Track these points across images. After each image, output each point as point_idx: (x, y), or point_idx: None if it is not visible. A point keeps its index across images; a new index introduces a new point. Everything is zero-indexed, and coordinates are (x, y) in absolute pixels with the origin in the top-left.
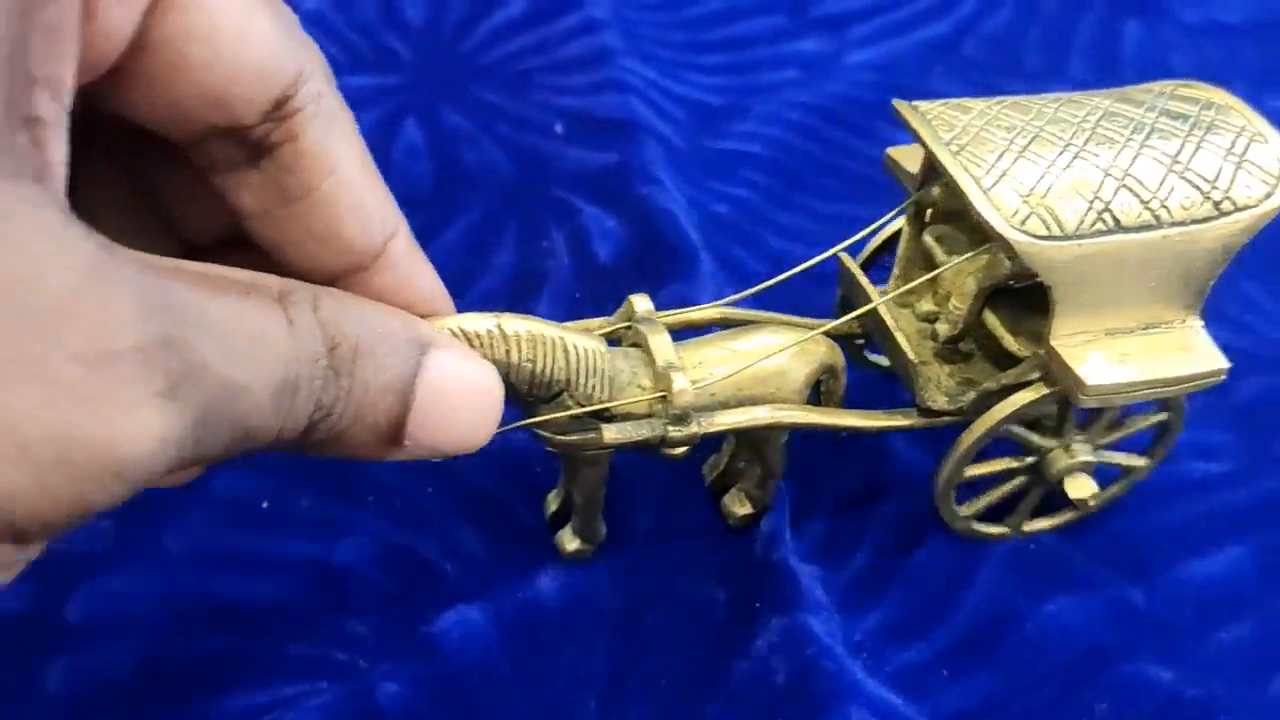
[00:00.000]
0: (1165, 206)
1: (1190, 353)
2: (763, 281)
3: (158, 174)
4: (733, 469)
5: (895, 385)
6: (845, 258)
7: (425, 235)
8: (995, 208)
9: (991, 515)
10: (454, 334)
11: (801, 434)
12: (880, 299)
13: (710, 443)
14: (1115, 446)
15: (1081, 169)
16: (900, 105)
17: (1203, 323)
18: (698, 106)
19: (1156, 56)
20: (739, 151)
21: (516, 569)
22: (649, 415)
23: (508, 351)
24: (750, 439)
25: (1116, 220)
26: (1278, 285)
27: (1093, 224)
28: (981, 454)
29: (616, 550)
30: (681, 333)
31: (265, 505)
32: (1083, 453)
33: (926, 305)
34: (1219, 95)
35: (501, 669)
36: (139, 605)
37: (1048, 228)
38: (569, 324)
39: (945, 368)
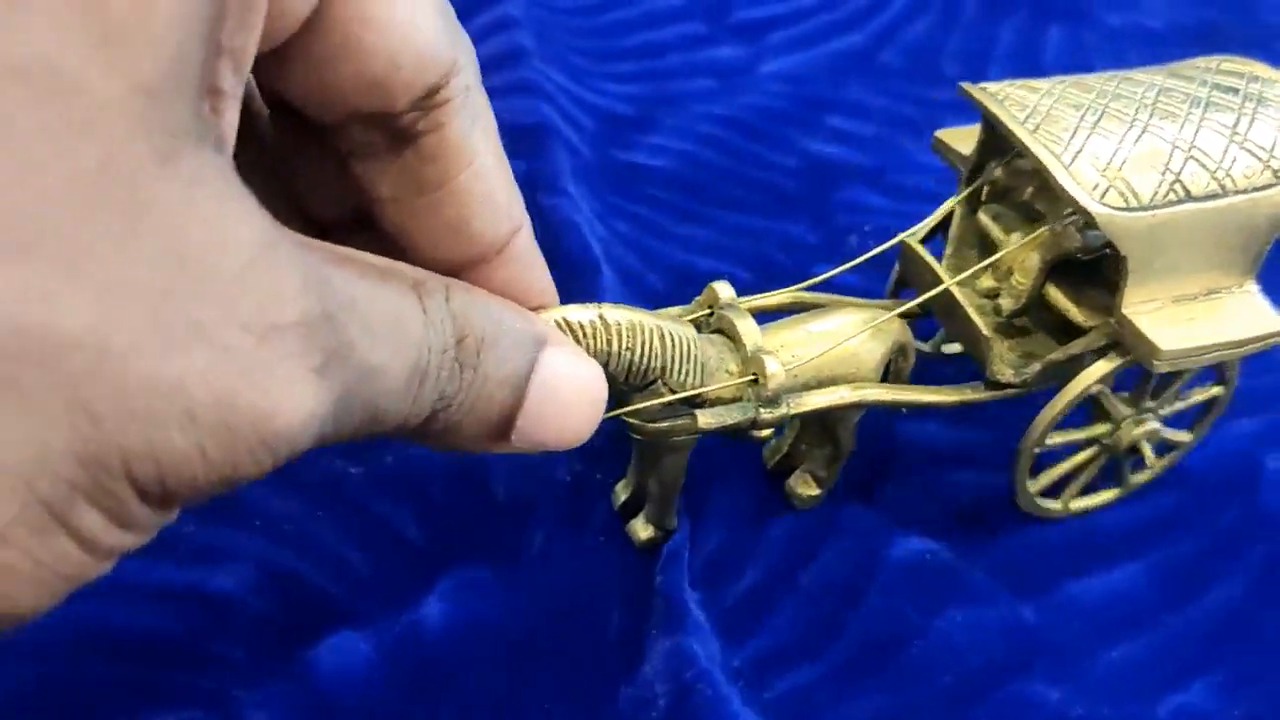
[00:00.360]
0: (1230, 175)
1: (1251, 315)
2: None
3: (294, 151)
4: (795, 451)
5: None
6: (911, 242)
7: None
8: (1077, 182)
9: (1049, 492)
10: (560, 325)
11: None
12: (952, 279)
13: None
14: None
15: (1150, 142)
16: (970, 88)
17: (1258, 286)
18: (608, 116)
19: (1078, 61)
20: (645, 165)
21: (403, 592)
22: (737, 399)
23: (609, 341)
24: (825, 420)
25: (1187, 190)
26: None
27: (1165, 195)
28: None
29: (512, 569)
30: (758, 318)
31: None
32: (1151, 422)
33: (987, 282)
34: (1261, 69)
35: (384, 695)
36: (20, 632)
37: (1125, 200)
38: (660, 311)
39: (1006, 342)
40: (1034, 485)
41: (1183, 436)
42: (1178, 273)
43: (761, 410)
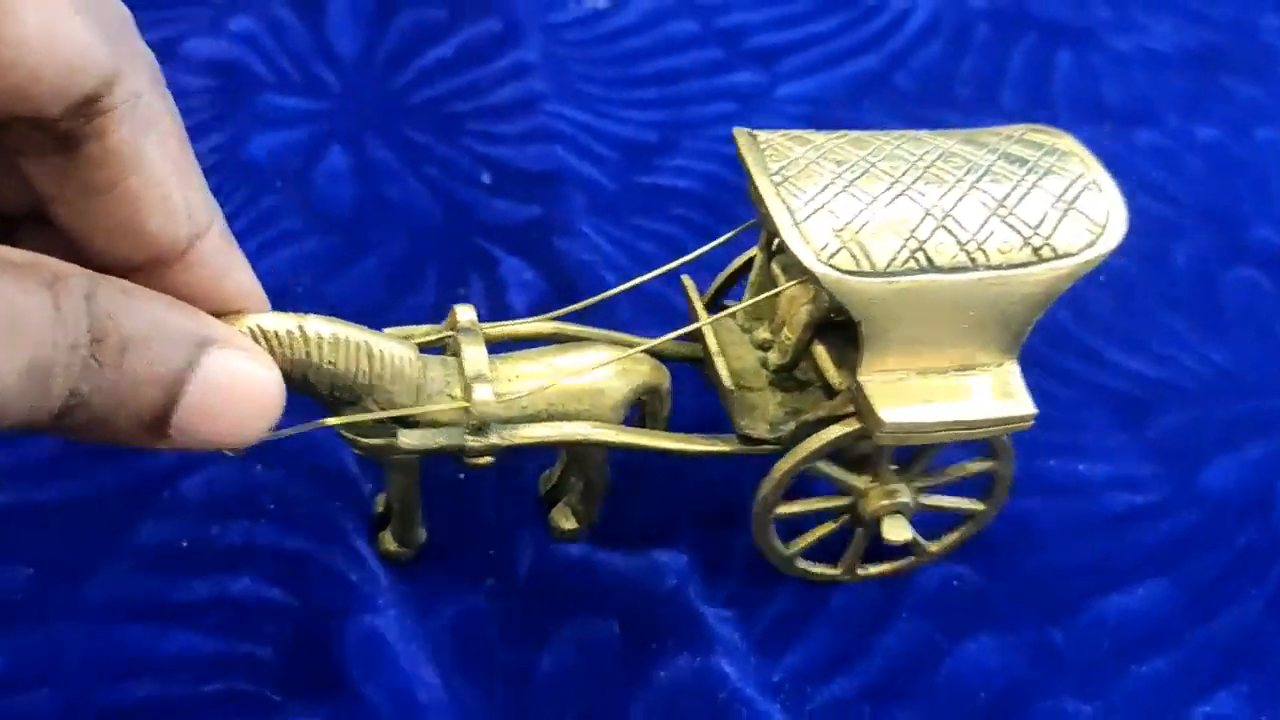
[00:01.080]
0: (982, 249)
1: (998, 396)
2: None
3: None
4: (564, 483)
5: None
6: (686, 280)
7: (344, 259)
8: (805, 240)
9: (826, 555)
10: (254, 332)
11: (725, 476)
12: (706, 320)
13: (546, 457)
14: (952, 491)
15: (903, 207)
16: (738, 133)
17: (1019, 367)
18: (629, 144)
19: (1088, 86)
20: (669, 187)
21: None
22: (455, 424)
23: (308, 353)
24: (574, 454)
25: (930, 260)
26: (1200, 317)
27: (905, 262)
28: (803, 491)
29: (507, 585)
30: (521, 345)
31: (184, 544)
32: (902, 495)
33: (763, 333)
34: (1064, 141)
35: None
36: (58, 655)
37: (857, 263)
38: (388, 330)
39: (777, 396)
40: (792, 548)
41: (975, 506)
42: (924, 344)
43: (469, 438)
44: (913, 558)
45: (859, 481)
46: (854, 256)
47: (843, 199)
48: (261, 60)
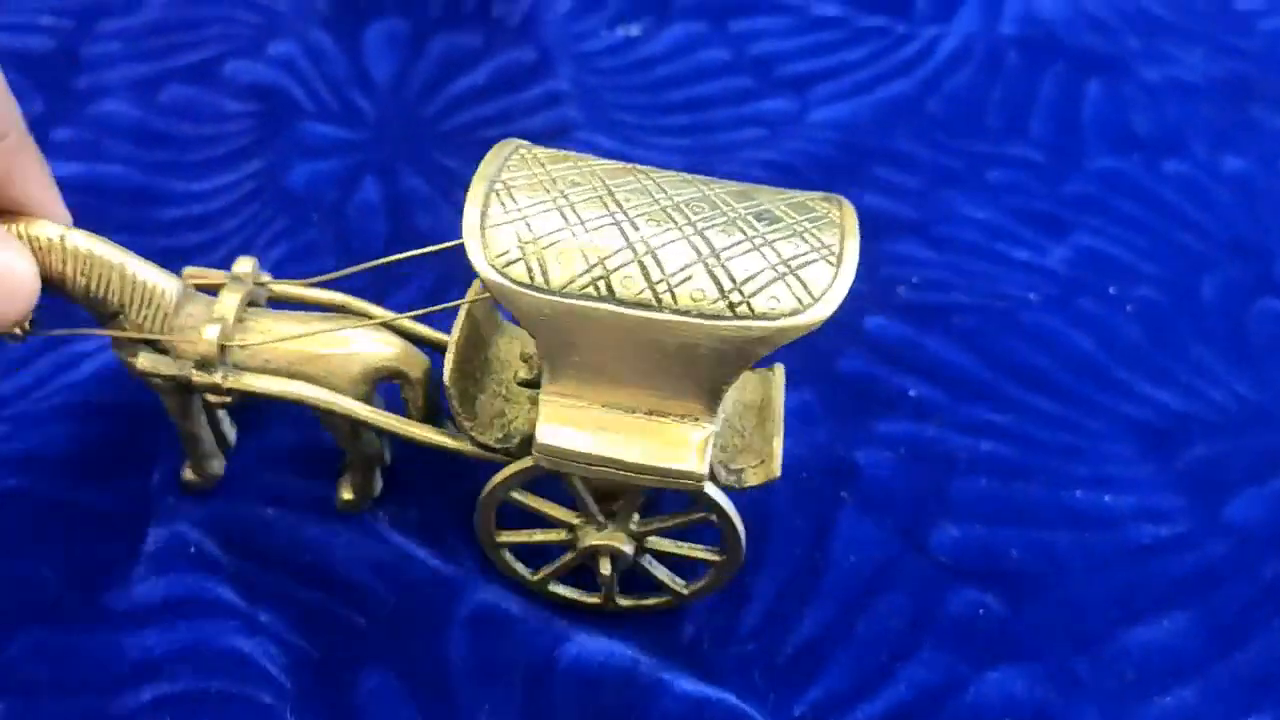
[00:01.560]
0: (672, 291)
1: (667, 446)
2: None
3: None
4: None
5: None
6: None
7: (381, 291)
8: (484, 245)
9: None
10: (20, 235)
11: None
12: (463, 302)
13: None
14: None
15: (606, 235)
16: (504, 143)
17: (717, 427)
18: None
19: (1117, 115)
20: None
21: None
22: (188, 358)
23: (62, 262)
24: (324, 422)
25: (610, 290)
26: (1227, 349)
27: (583, 287)
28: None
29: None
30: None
31: (192, 550)
32: (614, 536)
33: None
34: (841, 213)
35: None
36: (77, 660)
37: (531, 277)
38: (186, 269)
39: (528, 409)
40: (538, 574)
41: (711, 556)
42: (603, 377)
43: (194, 371)
44: (663, 597)
45: (566, 516)
46: (530, 270)
47: (549, 216)
48: (301, 86)
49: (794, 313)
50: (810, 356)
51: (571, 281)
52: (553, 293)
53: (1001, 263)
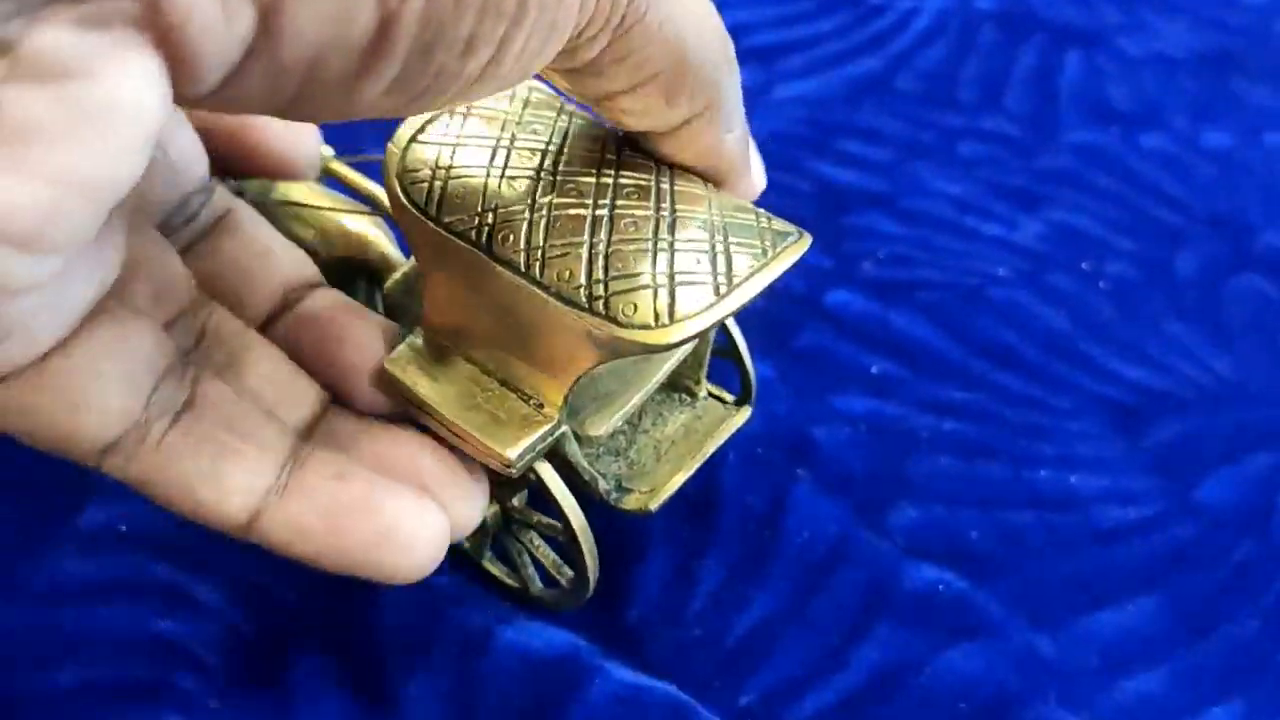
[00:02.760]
0: (542, 261)
1: (494, 424)
2: None
3: None
4: None
5: None
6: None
7: None
8: (403, 157)
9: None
10: None
11: (707, 481)
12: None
13: None
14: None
15: (516, 187)
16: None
17: (555, 425)
18: None
19: (1095, 88)
20: None
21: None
22: None
23: None
24: None
25: (488, 241)
26: (1204, 326)
27: (464, 227)
28: None
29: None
30: None
31: (123, 529)
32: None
33: None
34: (782, 246)
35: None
36: None
37: (418, 201)
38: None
39: None
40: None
41: (558, 574)
42: (474, 330)
43: None
44: (519, 586)
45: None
46: (429, 195)
47: (479, 152)
48: None
49: (642, 328)
50: (769, 330)
51: (457, 219)
52: (432, 218)
53: (972, 238)
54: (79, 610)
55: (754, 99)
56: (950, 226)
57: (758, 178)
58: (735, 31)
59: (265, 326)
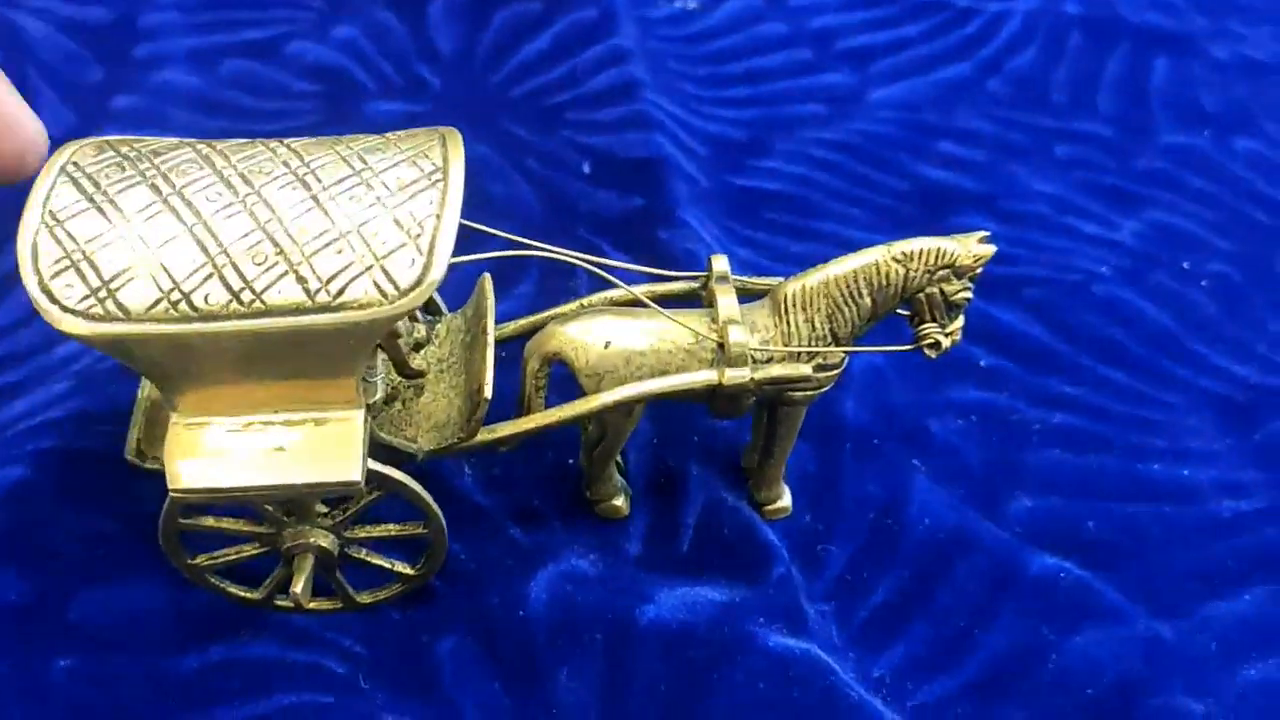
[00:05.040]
0: (259, 297)
1: (321, 458)
2: None
3: None
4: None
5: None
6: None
7: (523, 261)
8: (46, 292)
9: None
10: None
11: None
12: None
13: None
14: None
15: (176, 249)
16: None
17: (362, 414)
18: (721, 141)
19: (1186, 94)
20: (760, 189)
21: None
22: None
23: None
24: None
25: (194, 308)
26: None
27: (165, 312)
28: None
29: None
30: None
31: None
32: (319, 539)
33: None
34: (440, 170)
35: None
36: (141, 613)
37: (105, 310)
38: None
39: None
40: (206, 560)
41: (406, 569)
42: (231, 389)
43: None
44: (332, 602)
45: (282, 516)
46: (101, 304)
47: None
48: (364, 68)
49: (380, 304)
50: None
51: (151, 307)
52: (133, 320)
53: (1071, 236)
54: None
55: (849, 102)
56: (1049, 225)
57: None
58: (829, 36)
59: None
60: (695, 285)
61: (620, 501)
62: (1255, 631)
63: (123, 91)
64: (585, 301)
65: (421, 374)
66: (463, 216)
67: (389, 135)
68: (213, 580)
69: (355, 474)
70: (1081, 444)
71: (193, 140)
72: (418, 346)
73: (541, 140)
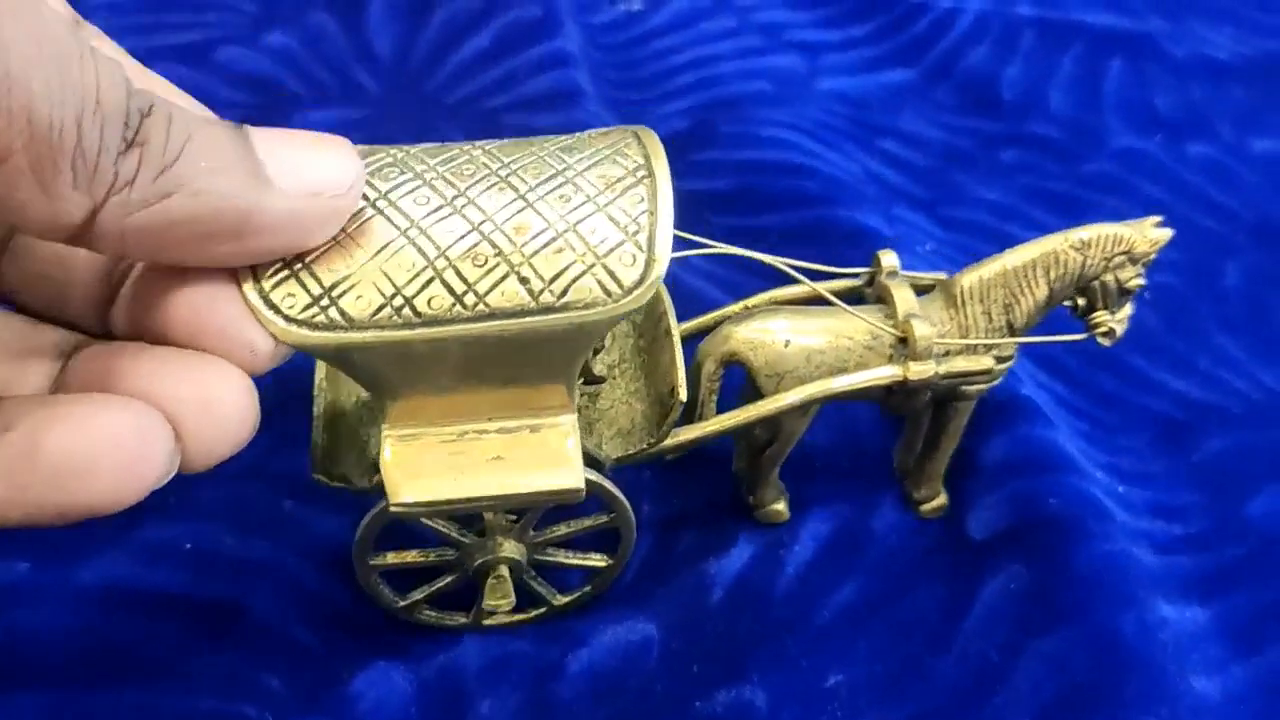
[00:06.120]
0: (481, 299)
1: (538, 466)
2: None
3: None
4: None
5: None
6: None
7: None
8: (267, 301)
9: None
10: None
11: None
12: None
13: None
14: (578, 545)
15: (398, 254)
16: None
17: (574, 420)
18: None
19: (1139, 95)
20: (706, 190)
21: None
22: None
23: None
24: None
25: (416, 312)
26: (1251, 338)
27: (388, 317)
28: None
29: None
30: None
31: (188, 547)
32: (509, 550)
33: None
34: (646, 168)
35: None
36: (49, 645)
37: (329, 319)
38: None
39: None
40: (407, 599)
41: (598, 562)
42: (448, 397)
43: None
44: (544, 609)
45: (460, 535)
46: (324, 313)
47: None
48: (297, 76)
49: (605, 303)
50: None
51: (376, 313)
52: (357, 328)
53: (1012, 245)
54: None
55: (798, 85)
56: (990, 233)
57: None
58: (774, 27)
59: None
60: (859, 282)
61: (781, 505)
62: (1194, 653)
63: None
64: (749, 303)
65: (603, 380)
66: None
67: (579, 135)
68: (429, 615)
69: (577, 480)
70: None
71: (385, 145)
72: (594, 352)
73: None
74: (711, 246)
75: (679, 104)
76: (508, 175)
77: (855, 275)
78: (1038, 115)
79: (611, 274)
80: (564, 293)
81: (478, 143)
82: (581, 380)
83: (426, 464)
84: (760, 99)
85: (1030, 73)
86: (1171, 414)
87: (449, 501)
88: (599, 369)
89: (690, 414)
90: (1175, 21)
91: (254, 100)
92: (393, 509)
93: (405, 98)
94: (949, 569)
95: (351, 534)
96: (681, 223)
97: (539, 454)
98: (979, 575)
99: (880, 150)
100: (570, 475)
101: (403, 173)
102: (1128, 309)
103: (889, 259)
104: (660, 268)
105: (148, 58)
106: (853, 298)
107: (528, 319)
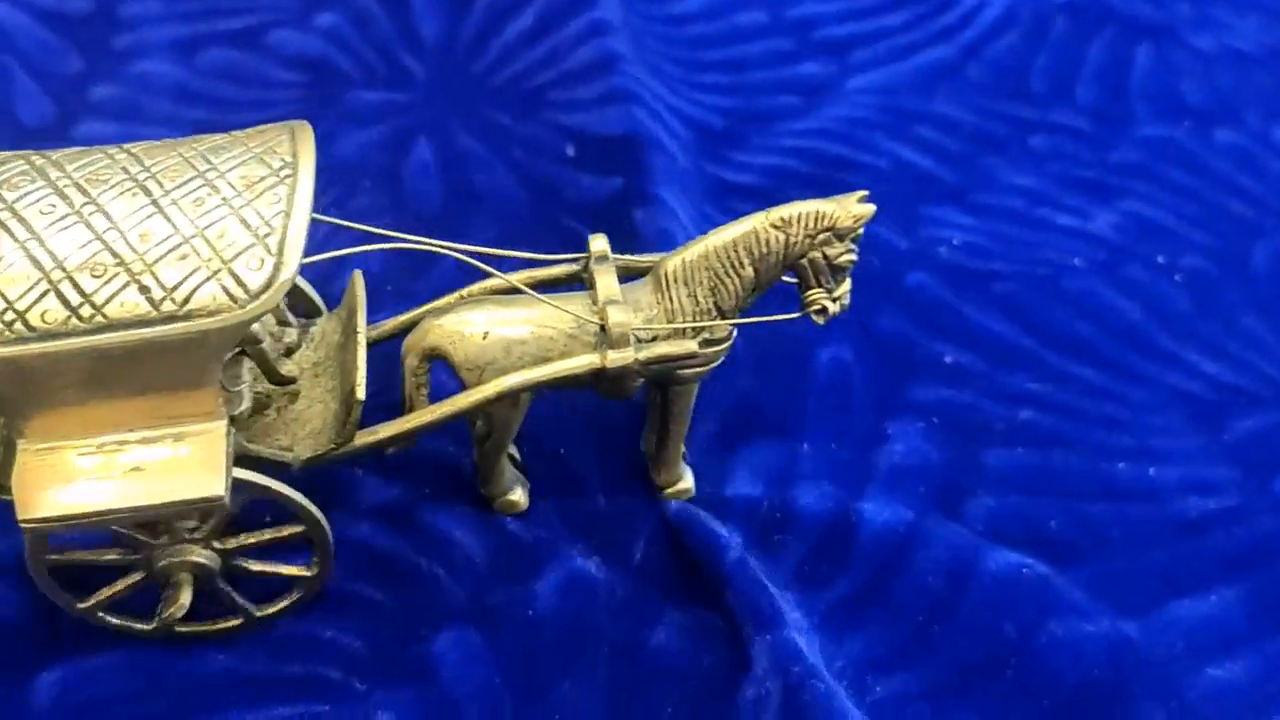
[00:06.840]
0: (99, 310)
1: (178, 473)
2: None
3: None
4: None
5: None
6: None
7: (432, 256)
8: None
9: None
10: None
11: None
12: None
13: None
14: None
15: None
16: None
17: (224, 426)
18: (700, 127)
19: (1167, 83)
20: (734, 182)
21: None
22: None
23: None
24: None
25: (29, 326)
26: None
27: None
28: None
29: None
30: None
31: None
32: (196, 556)
33: None
34: (290, 167)
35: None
36: (138, 610)
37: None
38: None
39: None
40: (86, 601)
41: (300, 571)
42: (78, 410)
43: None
44: (240, 620)
45: (147, 536)
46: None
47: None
48: (348, 56)
49: (230, 309)
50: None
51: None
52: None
53: (1044, 229)
54: None
55: (826, 91)
56: (1022, 218)
57: None
58: (805, 23)
59: None
60: (576, 268)
61: (518, 495)
62: (1221, 633)
63: (102, 82)
64: (465, 292)
65: (293, 380)
66: (447, 210)
67: (237, 133)
68: (113, 620)
69: (218, 489)
70: (1046, 442)
71: (27, 152)
72: (289, 351)
73: (523, 126)
74: (398, 241)
75: (713, 100)
76: (145, 179)
77: (572, 260)
78: (1065, 102)
79: (237, 279)
80: (186, 300)
81: (126, 145)
82: (272, 382)
83: (60, 477)
84: (789, 111)
85: (1059, 60)
86: (1204, 395)
87: (82, 515)
88: (288, 369)
89: (403, 409)
90: (1201, 10)
91: (307, 80)
92: (21, 524)
93: (452, 82)
94: None
95: None
96: (706, 214)
97: (181, 462)
98: None
99: (911, 137)
100: (211, 483)
101: (34, 181)
102: (846, 285)
103: (598, 243)
104: (289, 271)
105: (200, 45)
106: (578, 285)
107: (148, 329)
